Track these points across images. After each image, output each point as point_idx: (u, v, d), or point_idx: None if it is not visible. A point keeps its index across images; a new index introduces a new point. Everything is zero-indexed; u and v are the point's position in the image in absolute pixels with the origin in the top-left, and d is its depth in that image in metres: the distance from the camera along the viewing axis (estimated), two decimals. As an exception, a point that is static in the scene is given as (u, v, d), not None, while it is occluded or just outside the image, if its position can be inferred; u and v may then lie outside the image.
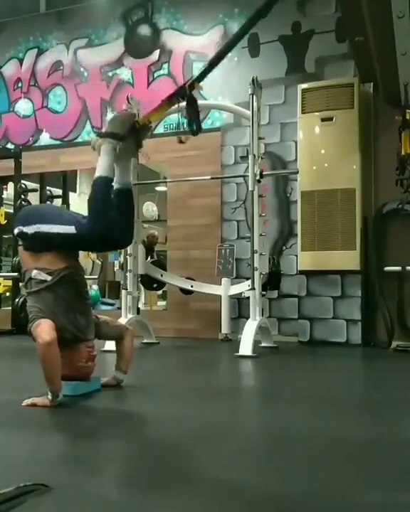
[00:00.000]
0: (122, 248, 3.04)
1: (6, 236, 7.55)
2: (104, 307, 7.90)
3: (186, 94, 2.84)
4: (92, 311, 2.94)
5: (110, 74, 6.79)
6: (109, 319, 3.04)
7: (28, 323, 2.61)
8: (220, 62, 3.09)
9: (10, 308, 6.60)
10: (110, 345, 3.73)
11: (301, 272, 5.45)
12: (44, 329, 2.50)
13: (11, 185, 7.01)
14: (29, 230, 2.74)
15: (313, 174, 5.35)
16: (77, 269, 2.84)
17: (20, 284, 2.90)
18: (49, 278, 2.66)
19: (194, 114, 2.91)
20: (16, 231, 2.80)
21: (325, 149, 5.36)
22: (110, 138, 2.82)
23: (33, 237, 2.73)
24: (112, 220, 2.74)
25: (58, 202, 7.55)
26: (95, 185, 2.81)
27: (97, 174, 2.79)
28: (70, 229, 2.72)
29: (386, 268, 5.04)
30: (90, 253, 9.56)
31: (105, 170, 2.80)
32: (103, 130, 3.02)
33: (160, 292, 8.63)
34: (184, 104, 2.87)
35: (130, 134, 2.84)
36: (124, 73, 6.73)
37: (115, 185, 2.84)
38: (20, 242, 2.85)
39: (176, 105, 2.94)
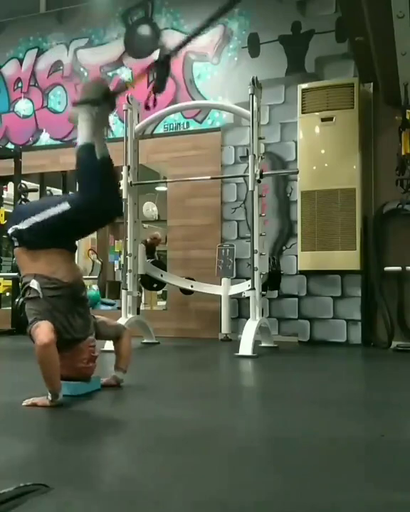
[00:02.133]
0: (117, 215, 2.95)
1: (6, 236, 7.54)
2: (104, 307, 7.90)
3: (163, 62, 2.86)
4: (91, 311, 2.94)
5: (110, 74, 6.78)
6: (107, 319, 3.04)
7: (28, 325, 2.60)
8: (196, 37, 3.06)
9: (10, 308, 6.60)
10: (110, 345, 3.73)
11: (301, 272, 5.45)
12: (42, 331, 2.49)
13: (11, 185, 7.00)
14: (23, 225, 2.69)
15: (313, 174, 5.35)
16: (76, 279, 2.78)
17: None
18: (48, 293, 2.62)
19: (163, 75, 2.92)
20: (10, 232, 2.74)
21: (325, 149, 5.36)
22: (87, 104, 2.77)
23: (29, 231, 2.67)
24: (102, 187, 2.74)
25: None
26: (82, 153, 2.77)
27: (81, 142, 2.76)
28: (65, 205, 2.69)
29: (386, 268, 5.04)
30: (90, 253, 9.57)
31: (88, 137, 2.76)
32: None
33: (160, 292, 8.63)
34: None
35: (104, 100, 2.79)
36: (124, 73, 6.73)
37: (97, 155, 2.81)
38: (16, 244, 2.75)
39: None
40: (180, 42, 2.91)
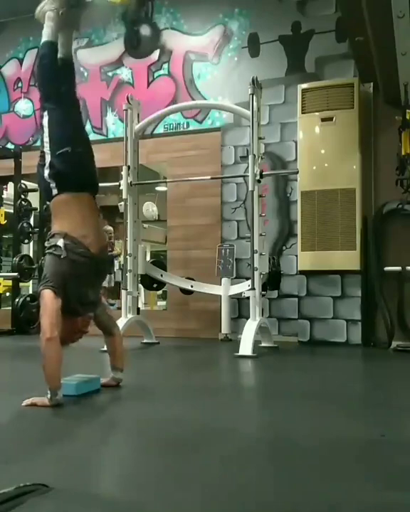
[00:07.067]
0: (62, 101, 2.88)
1: (6, 236, 7.54)
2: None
3: None
4: None
5: (110, 74, 6.78)
6: (107, 306, 3.06)
7: (39, 282, 2.64)
8: None
9: (10, 308, 6.60)
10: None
11: (301, 272, 5.45)
12: (48, 315, 2.49)
13: (11, 186, 7.00)
14: (49, 157, 2.74)
15: (313, 174, 5.35)
16: (101, 250, 2.76)
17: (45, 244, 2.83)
18: (73, 257, 2.60)
19: None
20: (46, 173, 2.74)
21: (325, 149, 5.36)
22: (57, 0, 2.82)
23: (58, 158, 2.72)
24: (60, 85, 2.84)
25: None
26: (41, 50, 2.86)
27: (43, 39, 2.83)
28: (45, 115, 2.80)
29: (386, 268, 5.04)
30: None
31: (51, 35, 2.84)
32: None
33: (160, 292, 8.63)
34: None
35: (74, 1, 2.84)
36: (124, 73, 6.73)
37: (58, 54, 2.87)
38: (54, 191, 2.72)
39: None
40: None
